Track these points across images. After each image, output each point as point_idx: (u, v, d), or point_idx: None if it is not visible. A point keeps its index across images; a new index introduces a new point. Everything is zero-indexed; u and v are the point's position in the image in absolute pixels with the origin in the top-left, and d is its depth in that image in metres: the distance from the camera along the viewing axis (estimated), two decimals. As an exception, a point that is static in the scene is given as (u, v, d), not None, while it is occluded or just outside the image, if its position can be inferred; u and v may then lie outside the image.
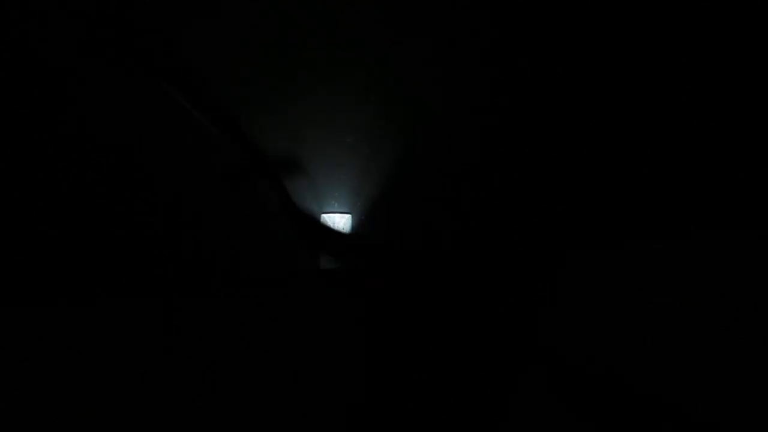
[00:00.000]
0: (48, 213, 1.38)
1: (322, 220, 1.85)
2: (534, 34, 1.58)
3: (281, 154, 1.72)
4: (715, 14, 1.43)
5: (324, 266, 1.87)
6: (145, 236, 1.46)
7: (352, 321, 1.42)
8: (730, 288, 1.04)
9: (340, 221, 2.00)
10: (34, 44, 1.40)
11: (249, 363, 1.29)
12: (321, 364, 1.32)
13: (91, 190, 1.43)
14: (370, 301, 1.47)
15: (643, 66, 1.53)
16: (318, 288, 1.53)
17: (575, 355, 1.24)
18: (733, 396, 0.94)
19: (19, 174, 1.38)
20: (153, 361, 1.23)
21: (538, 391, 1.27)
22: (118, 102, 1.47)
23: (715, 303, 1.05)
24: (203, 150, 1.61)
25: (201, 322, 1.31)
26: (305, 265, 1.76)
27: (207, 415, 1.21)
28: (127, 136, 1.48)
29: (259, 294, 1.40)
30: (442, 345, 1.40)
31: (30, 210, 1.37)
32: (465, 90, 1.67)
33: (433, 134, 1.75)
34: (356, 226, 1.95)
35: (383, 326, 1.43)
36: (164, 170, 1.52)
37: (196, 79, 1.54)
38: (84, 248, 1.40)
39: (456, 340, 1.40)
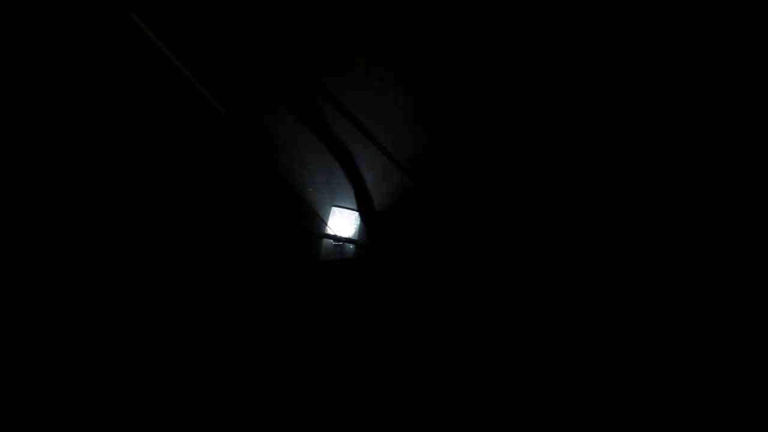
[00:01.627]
0: (49, 209, 1.38)
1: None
2: (533, 35, 1.58)
3: (300, 147, 1.71)
4: (715, 14, 1.43)
5: (325, 258, 1.87)
6: (145, 236, 1.46)
7: (354, 317, 1.42)
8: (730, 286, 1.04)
9: (350, 217, 2.01)
10: (34, 44, 1.39)
11: (249, 362, 1.28)
12: (321, 362, 1.32)
13: (91, 190, 1.43)
14: (376, 293, 1.46)
15: (643, 66, 1.52)
16: (319, 280, 1.52)
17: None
18: (732, 391, 0.94)
19: (20, 174, 1.37)
20: (153, 362, 1.23)
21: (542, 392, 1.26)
22: (121, 101, 1.47)
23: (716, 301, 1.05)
24: (206, 146, 1.60)
25: (201, 321, 1.30)
26: (306, 257, 1.76)
27: (207, 415, 1.21)
28: (130, 135, 1.48)
29: (260, 291, 1.40)
30: (443, 344, 1.39)
31: (31, 205, 1.37)
32: (470, 93, 1.66)
33: (438, 136, 1.75)
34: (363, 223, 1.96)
35: (385, 324, 1.42)
36: (166, 167, 1.52)
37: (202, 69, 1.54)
38: (84, 244, 1.39)
39: (457, 339, 1.40)
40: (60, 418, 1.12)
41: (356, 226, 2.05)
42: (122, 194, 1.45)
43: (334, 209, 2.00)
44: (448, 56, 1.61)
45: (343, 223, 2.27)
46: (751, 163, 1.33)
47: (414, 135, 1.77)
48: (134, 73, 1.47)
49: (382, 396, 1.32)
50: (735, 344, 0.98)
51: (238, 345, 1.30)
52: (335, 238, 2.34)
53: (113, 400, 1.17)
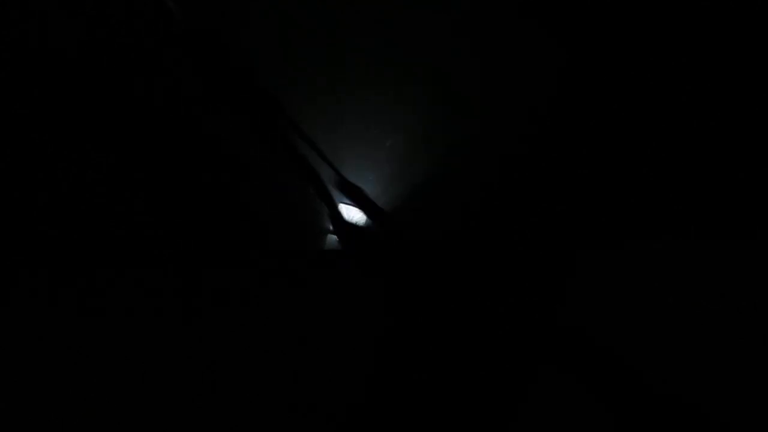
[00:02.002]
0: (49, 208, 1.38)
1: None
2: (533, 34, 1.58)
3: (310, 142, 1.70)
4: (715, 14, 1.43)
5: (330, 246, 1.86)
6: (146, 236, 1.46)
7: (354, 317, 1.42)
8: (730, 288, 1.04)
9: (356, 214, 2.02)
10: (34, 44, 1.39)
11: (249, 362, 1.29)
12: (322, 362, 1.32)
13: (91, 190, 1.43)
14: (375, 293, 1.47)
15: (643, 66, 1.52)
16: (319, 279, 1.52)
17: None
18: (734, 391, 0.94)
19: (20, 174, 1.37)
20: (153, 361, 1.23)
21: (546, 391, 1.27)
22: (121, 101, 1.47)
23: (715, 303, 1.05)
24: (206, 146, 1.61)
25: (201, 321, 1.31)
26: (309, 255, 1.75)
27: (207, 415, 1.21)
28: (130, 135, 1.48)
29: (260, 290, 1.40)
30: (443, 344, 1.39)
31: (31, 205, 1.37)
32: (471, 93, 1.67)
33: (438, 137, 1.75)
34: (369, 222, 1.96)
35: (385, 323, 1.42)
36: (166, 167, 1.52)
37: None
38: (84, 244, 1.39)
39: (457, 339, 1.40)
40: (60, 418, 1.12)
41: (362, 223, 2.05)
42: (122, 194, 1.45)
43: (341, 206, 2.00)
44: (449, 56, 1.61)
45: (349, 219, 2.27)
46: (752, 163, 1.33)
47: (414, 135, 1.77)
48: (134, 73, 1.47)
49: (383, 396, 1.32)
50: (735, 345, 0.98)
51: (238, 344, 1.30)
52: (339, 235, 2.35)
53: (113, 400, 1.17)
